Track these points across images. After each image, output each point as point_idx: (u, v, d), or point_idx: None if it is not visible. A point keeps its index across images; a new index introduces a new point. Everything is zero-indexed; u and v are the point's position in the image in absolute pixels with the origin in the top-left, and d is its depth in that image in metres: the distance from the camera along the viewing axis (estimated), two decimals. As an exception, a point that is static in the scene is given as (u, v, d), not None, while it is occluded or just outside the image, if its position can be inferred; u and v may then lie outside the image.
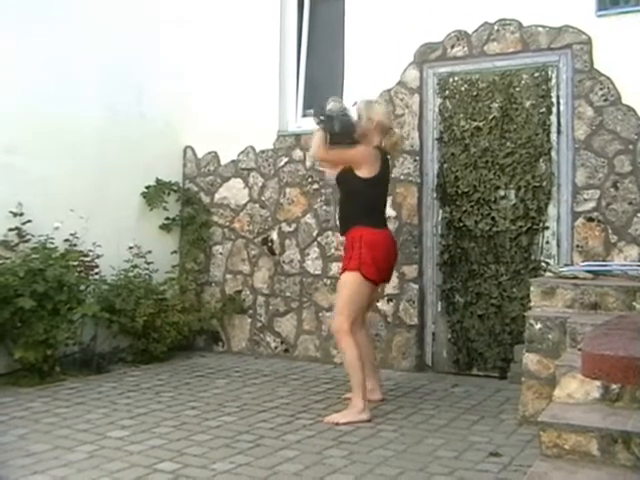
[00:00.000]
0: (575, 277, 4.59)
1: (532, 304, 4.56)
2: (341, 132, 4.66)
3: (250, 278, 6.76)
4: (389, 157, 4.96)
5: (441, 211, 5.95)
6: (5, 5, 5.53)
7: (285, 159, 6.62)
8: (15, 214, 5.47)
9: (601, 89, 5.34)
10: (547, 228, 5.57)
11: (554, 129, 5.54)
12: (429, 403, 4.93)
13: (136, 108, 6.62)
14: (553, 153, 5.55)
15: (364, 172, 4.63)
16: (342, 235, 4.86)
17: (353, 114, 4.79)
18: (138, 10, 6.65)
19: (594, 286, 4.35)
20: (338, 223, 4.98)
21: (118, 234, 6.26)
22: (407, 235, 6.01)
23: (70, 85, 6.01)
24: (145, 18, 6.71)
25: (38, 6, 5.76)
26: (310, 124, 6.53)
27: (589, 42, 5.38)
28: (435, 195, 5.97)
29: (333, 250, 6.30)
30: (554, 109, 5.54)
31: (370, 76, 6.16)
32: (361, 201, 4.66)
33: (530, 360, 4.29)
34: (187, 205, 7.03)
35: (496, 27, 5.72)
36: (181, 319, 6.27)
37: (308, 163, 6.48)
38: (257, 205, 6.76)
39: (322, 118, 4.69)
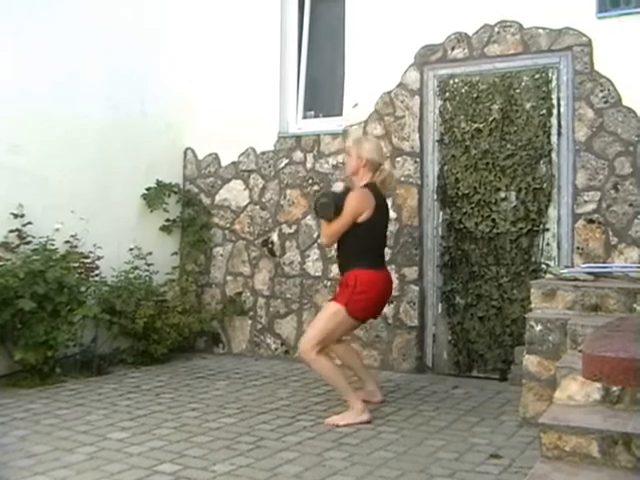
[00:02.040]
0: (575, 279, 4.59)
1: (532, 306, 4.56)
2: (326, 210, 4.63)
3: (250, 280, 6.76)
4: (383, 193, 4.86)
5: (441, 213, 5.95)
6: (7, 5, 5.54)
7: (285, 160, 6.63)
8: (16, 215, 5.47)
9: (601, 91, 5.34)
10: (547, 230, 5.57)
11: (554, 131, 5.54)
12: (429, 405, 4.93)
13: (137, 109, 6.63)
14: (553, 155, 5.55)
15: (360, 217, 4.56)
16: (341, 275, 4.83)
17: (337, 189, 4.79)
18: (140, 11, 6.66)
19: (595, 288, 4.35)
20: (337, 262, 4.94)
21: (118, 236, 6.26)
22: (407, 237, 6.01)
23: (72, 86, 6.01)
24: (147, 19, 6.72)
25: (40, 6, 5.77)
26: (310, 126, 6.59)
27: (589, 44, 5.38)
28: (435, 197, 5.97)
29: (333, 252, 6.28)
30: (554, 111, 5.54)
31: (370, 78, 6.17)
32: (356, 245, 4.60)
33: (530, 362, 4.28)
34: (187, 207, 7.03)
35: (496, 29, 5.72)
36: (181, 321, 6.27)
37: (308, 165, 6.49)
38: (257, 207, 6.76)
39: (317, 211, 4.76)
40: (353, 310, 4.51)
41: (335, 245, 4.81)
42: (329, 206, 4.60)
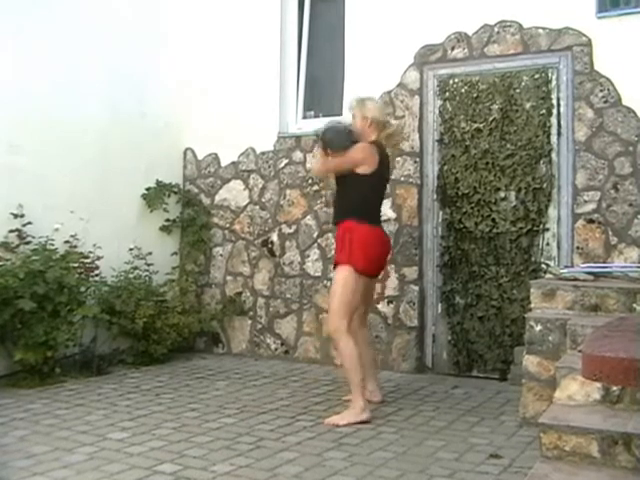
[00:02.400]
0: (575, 279, 4.59)
1: (532, 306, 4.56)
2: (335, 139, 4.66)
3: (250, 280, 6.76)
4: (389, 154, 4.94)
5: (441, 213, 5.95)
6: (6, 5, 5.53)
7: (285, 161, 6.63)
8: (16, 215, 5.47)
9: (601, 91, 5.34)
10: (547, 230, 5.58)
11: (554, 131, 5.54)
12: (429, 405, 4.92)
13: (137, 108, 6.62)
14: (553, 155, 5.55)
15: (362, 168, 4.62)
16: (334, 225, 4.86)
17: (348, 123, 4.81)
18: (139, 11, 6.65)
19: (594, 288, 4.35)
20: (332, 212, 4.97)
21: (118, 236, 6.26)
22: (407, 237, 6.01)
23: (72, 86, 6.01)
24: (146, 19, 6.72)
25: (40, 6, 5.76)
26: (310, 126, 6.58)
27: (589, 44, 5.38)
28: (435, 197, 5.97)
29: (333, 252, 6.28)
30: (554, 111, 5.54)
31: (370, 78, 6.17)
32: (356, 195, 4.64)
33: (530, 362, 4.28)
34: (187, 207, 7.03)
35: (496, 29, 5.72)
36: (181, 321, 6.26)
37: (308, 165, 6.48)
38: (257, 207, 6.76)
39: (317, 135, 4.70)
40: (356, 264, 4.52)
41: (334, 198, 4.93)
42: (344, 130, 4.69)
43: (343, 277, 4.56)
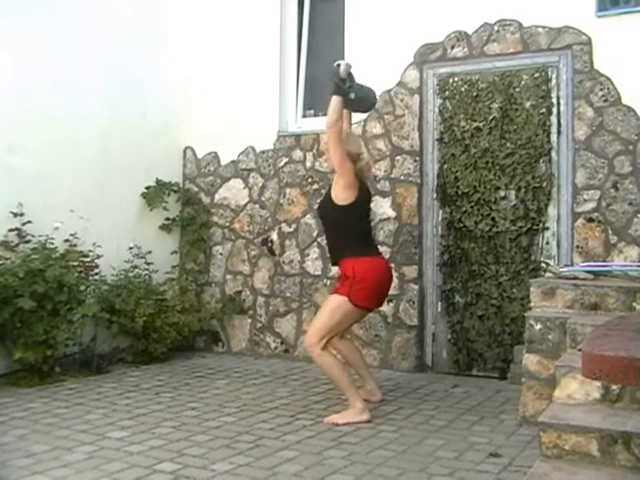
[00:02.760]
0: (575, 278, 4.59)
1: (532, 305, 4.56)
2: (358, 100, 4.64)
3: (250, 279, 6.76)
4: (368, 185, 4.92)
5: (441, 212, 5.95)
6: (6, 5, 5.53)
7: (285, 159, 6.62)
8: (15, 214, 5.46)
9: (601, 90, 5.34)
10: (547, 229, 5.57)
11: (554, 130, 5.54)
12: (429, 404, 4.93)
13: (137, 108, 6.62)
14: (553, 154, 5.55)
15: (342, 198, 4.58)
16: (333, 265, 4.85)
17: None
18: (139, 11, 6.65)
19: (594, 287, 4.35)
20: (328, 254, 4.95)
21: (118, 234, 6.26)
22: (407, 236, 6.01)
23: (71, 85, 6.01)
24: (146, 18, 6.71)
25: (40, 6, 5.76)
26: (310, 125, 6.58)
27: (589, 43, 5.38)
28: (435, 196, 5.97)
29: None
30: (554, 110, 5.54)
31: (370, 76, 6.11)
32: (346, 230, 4.62)
33: (530, 361, 4.28)
34: (187, 205, 7.03)
35: (496, 28, 5.72)
36: (181, 319, 6.26)
37: (308, 163, 6.49)
38: (257, 205, 6.76)
39: (339, 84, 4.56)
40: (357, 300, 4.50)
41: (325, 239, 4.91)
42: (369, 92, 4.78)
43: (338, 306, 4.54)
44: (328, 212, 4.75)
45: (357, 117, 6.20)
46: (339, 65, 4.62)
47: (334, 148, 4.55)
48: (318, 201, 6.29)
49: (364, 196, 4.75)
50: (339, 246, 4.68)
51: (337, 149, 4.54)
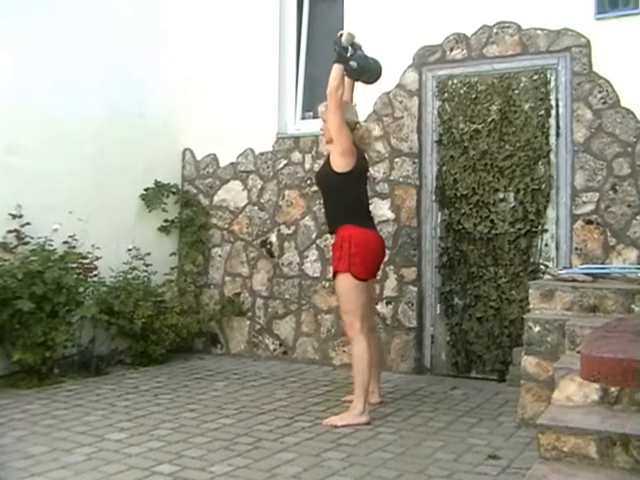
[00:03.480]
0: (574, 280, 4.59)
1: (531, 307, 4.56)
2: (360, 69, 4.67)
3: (249, 280, 6.76)
4: (365, 154, 4.96)
5: (440, 214, 5.95)
6: (6, 5, 5.53)
7: (284, 161, 6.63)
8: (14, 216, 5.46)
9: (600, 92, 5.34)
10: (546, 231, 5.58)
11: (553, 132, 5.54)
12: (428, 406, 4.92)
13: (136, 109, 6.62)
14: (552, 156, 5.55)
15: (340, 166, 4.61)
16: (331, 234, 4.86)
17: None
18: (139, 11, 6.65)
19: (593, 289, 4.35)
20: (326, 222, 4.97)
21: (117, 236, 6.26)
22: (406, 237, 6.01)
23: (70, 86, 6.01)
24: (146, 19, 6.71)
25: (39, 6, 5.76)
26: (309, 127, 6.59)
27: (588, 45, 5.39)
28: (434, 198, 5.97)
29: (332, 253, 6.28)
30: (553, 112, 5.55)
31: (369, 78, 6.16)
32: (342, 198, 4.64)
33: (529, 363, 4.28)
34: (186, 207, 7.03)
35: (495, 30, 5.73)
36: (180, 321, 6.26)
37: (307, 165, 6.49)
38: (256, 207, 6.76)
39: (340, 53, 4.62)
40: (357, 273, 4.52)
41: (323, 208, 4.95)
42: (372, 63, 4.79)
43: (345, 286, 4.56)
44: (325, 178, 4.77)
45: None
46: (341, 34, 4.68)
47: (333, 114, 4.60)
48: (317, 202, 6.34)
49: (362, 164, 4.78)
50: (336, 213, 4.71)
51: (336, 115, 4.59)
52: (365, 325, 4.57)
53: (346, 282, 4.55)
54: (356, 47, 4.73)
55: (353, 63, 4.65)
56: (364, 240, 4.59)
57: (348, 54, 4.65)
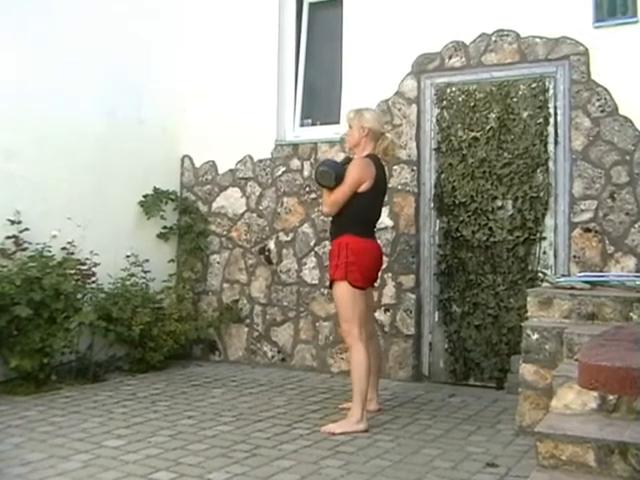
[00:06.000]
0: (572, 287, 4.59)
1: (529, 314, 4.55)
2: (324, 174, 4.60)
3: (247, 287, 6.76)
4: (384, 164, 4.91)
5: (438, 221, 5.96)
6: (4, 10, 5.53)
7: (283, 168, 6.63)
8: (13, 222, 5.46)
9: (598, 100, 5.36)
10: (544, 238, 5.58)
11: (551, 140, 5.56)
12: (426, 413, 4.92)
13: (134, 116, 6.63)
14: (550, 164, 5.56)
15: (361, 186, 4.58)
16: (331, 240, 4.85)
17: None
18: (137, 17, 6.65)
19: (591, 297, 4.35)
20: (329, 231, 4.96)
21: (115, 242, 6.26)
22: (404, 245, 6.02)
23: (69, 91, 6.01)
24: (144, 25, 6.72)
25: (37, 11, 5.77)
26: (308, 134, 6.60)
27: (586, 53, 5.40)
28: (432, 205, 5.98)
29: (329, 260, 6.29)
30: (551, 120, 5.56)
31: (368, 86, 6.18)
32: (352, 212, 4.61)
33: (527, 370, 4.28)
34: (184, 214, 7.03)
35: (494, 38, 5.75)
36: (178, 328, 6.26)
37: (306, 172, 6.49)
38: (254, 214, 6.76)
39: (317, 179, 4.68)
40: (354, 280, 4.52)
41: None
42: (329, 174, 4.56)
43: (342, 293, 4.56)
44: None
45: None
46: (322, 172, 4.63)
47: (347, 194, 4.58)
48: (316, 210, 6.35)
49: (379, 185, 4.69)
50: (341, 225, 4.66)
51: (345, 197, 4.58)
52: (363, 332, 4.57)
53: (343, 290, 4.55)
54: (330, 166, 4.69)
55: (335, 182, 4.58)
56: (361, 248, 4.58)
57: (333, 182, 4.58)
